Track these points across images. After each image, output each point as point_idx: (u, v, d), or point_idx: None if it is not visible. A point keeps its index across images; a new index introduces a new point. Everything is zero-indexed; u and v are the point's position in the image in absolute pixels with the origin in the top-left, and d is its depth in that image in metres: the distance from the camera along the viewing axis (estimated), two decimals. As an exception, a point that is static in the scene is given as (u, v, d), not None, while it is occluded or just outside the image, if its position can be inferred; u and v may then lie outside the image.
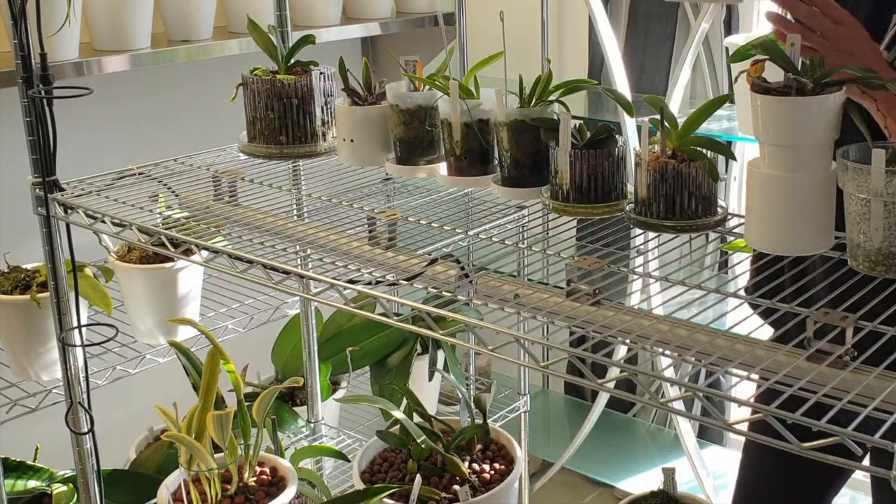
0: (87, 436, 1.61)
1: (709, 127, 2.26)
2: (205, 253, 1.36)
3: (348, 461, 1.78)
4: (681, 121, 1.23)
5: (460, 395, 1.73)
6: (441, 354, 2.22)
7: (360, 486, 1.61)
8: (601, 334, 1.06)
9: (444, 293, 1.16)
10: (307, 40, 1.60)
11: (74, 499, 1.76)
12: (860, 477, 2.74)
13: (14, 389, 1.79)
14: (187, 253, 1.39)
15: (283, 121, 1.58)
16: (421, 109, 1.45)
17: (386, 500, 1.55)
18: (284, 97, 1.57)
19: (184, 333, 1.84)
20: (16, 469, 1.80)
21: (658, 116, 1.21)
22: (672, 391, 2.68)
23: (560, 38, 3.03)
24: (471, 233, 1.34)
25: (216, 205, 1.51)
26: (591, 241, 1.31)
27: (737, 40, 2.06)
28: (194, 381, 1.59)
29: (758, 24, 2.65)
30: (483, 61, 1.46)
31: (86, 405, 1.60)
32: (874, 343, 0.99)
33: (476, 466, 1.64)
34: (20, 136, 1.51)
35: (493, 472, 1.63)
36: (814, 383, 0.94)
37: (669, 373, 2.39)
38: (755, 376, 0.96)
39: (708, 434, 2.99)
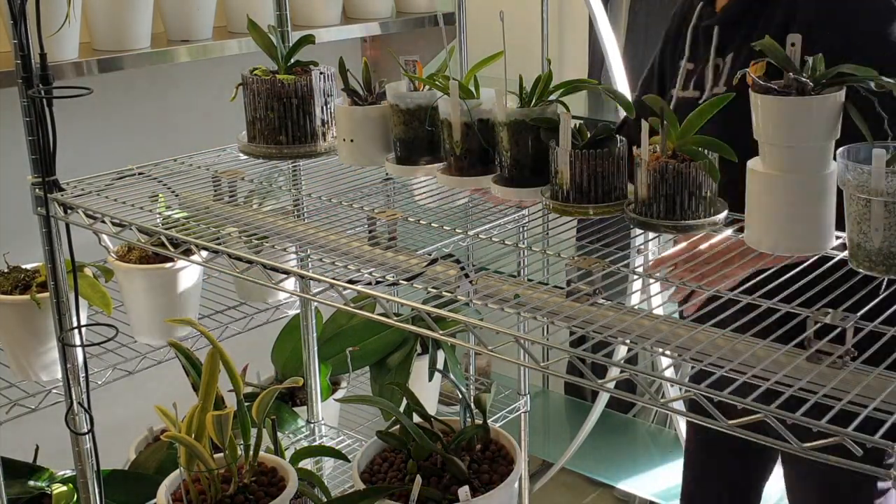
0: (87, 436, 1.61)
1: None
2: (205, 253, 1.35)
3: (348, 461, 1.77)
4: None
5: (460, 395, 1.72)
6: (441, 354, 2.22)
7: (359, 486, 1.61)
8: (601, 334, 1.05)
9: (444, 293, 1.16)
10: (307, 40, 1.60)
11: (74, 499, 1.76)
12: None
13: (14, 389, 1.79)
14: (187, 253, 1.39)
15: (283, 121, 1.58)
16: (421, 109, 1.45)
17: (386, 500, 1.55)
18: (284, 97, 1.57)
19: (184, 333, 1.84)
20: (16, 469, 1.80)
21: (658, 116, 1.21)
22: (672, 391, 2.68)
23: (560, 38, 3.03)
24: (471, 233, 1.34)
25: (216, 205, 1.51)
26: (591, 242, 1.31)
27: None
28: (194, 381, 1.59)
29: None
30: (483, 61, 1.46)
31: (86, 405, 1.60)
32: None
33: (476, 466, 1.64)
34: (20, 136, 1.51)
35: (493, 472, 1.63)
36: (813, 383, 0.94)
37: (669, 373, 2.39)
38: (755, 376, 0.96)
39: (708, 434, 2.98)
